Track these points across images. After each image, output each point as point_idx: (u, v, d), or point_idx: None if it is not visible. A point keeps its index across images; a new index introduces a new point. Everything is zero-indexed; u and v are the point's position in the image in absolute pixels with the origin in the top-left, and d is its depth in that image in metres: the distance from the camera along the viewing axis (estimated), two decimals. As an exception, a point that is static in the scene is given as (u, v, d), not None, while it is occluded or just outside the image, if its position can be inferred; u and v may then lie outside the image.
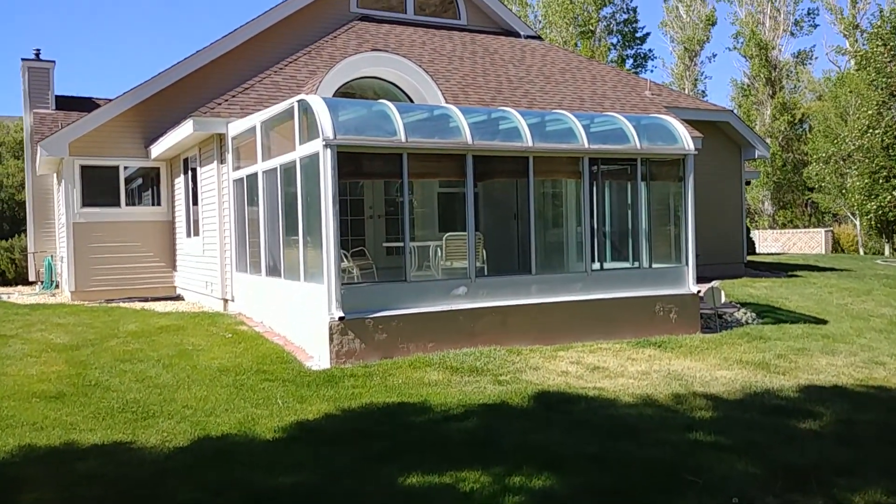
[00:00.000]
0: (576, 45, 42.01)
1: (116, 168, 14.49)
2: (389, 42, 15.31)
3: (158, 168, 14.87)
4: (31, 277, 18.31)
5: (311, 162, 8.28)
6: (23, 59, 18.47)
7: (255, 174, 10.15)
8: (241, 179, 10.87)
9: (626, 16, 44.76)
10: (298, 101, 8.55)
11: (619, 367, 7.68)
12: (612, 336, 9.47)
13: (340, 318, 7.89)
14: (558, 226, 11.93)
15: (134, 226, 14.56)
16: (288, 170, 9.09)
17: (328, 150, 7.95)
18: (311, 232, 8.51)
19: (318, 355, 8.16)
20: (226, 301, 11.83)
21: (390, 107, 8.67)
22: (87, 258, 14.04)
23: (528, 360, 7.94)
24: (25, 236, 18.71)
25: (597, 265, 9.90)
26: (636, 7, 45.19)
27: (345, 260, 10.50)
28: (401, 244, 11.11)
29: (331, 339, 7.89)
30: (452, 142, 8.78)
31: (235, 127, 11.01)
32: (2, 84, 67.20)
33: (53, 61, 18.80)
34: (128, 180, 14.64)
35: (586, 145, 9.62)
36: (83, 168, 14.17)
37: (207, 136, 11.89)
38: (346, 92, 12.37)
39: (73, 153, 13.98)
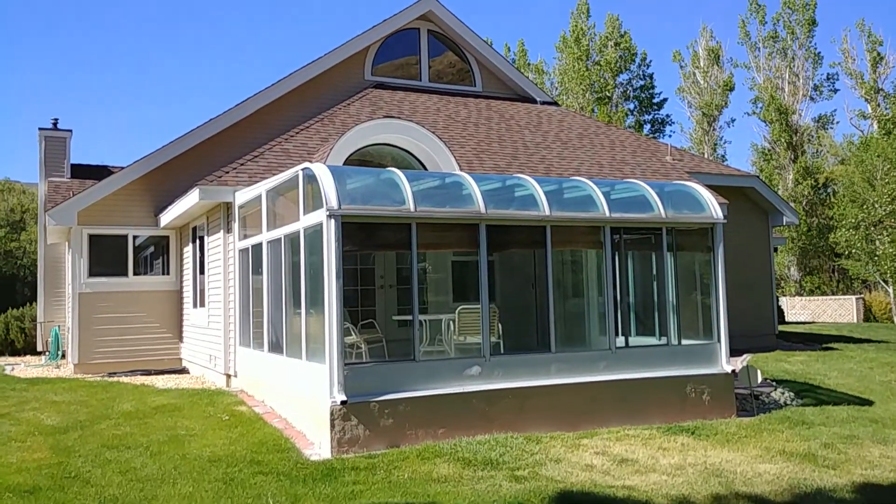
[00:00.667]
0: (592, 110, 42.14)
1: (125, 237, 14.20)
2: (403, 109, 15.11)
3: (168, 237, 14.55)
4: (40, 347, 17.93)
5: (316, 232, 7.82)
6: (40, 129, 18.57)
7: (260, 244, 9.71)
8: (247, 249, 10.44)
9: (642, 82, 45.02)
10: (303, 170, 8.16)
11: (650, 460, 6.93)
12: (639, 420, 8.72)
13: (342, 403, 7.26)
14: (579, 296, 11.31)
15: (141, 295, 14.16)
16: (292, 240, 8.64)
17: (332, 221, 7.49)
18: (313, 307, 7.98)
19: (318, 442, 7.50)
20: (228, 377, 11.25)
21: (398, 174, 8.25)
22: (91, 329, 13.60)
23: (548, 451, 7.22)
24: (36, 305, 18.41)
25: (621, 341, 9.23)
26: (652, 73, 45.31)
27: (352, 334, 9.95)
28: (426, 317, 10.59)
29: (332, 426, 7.24)
30: (464, 211, 8.30)
31: (242, 195, 10.65)
32: (23, 151, 68.80)
33: (70, 130, 18.89)
34: (137, 249, 14.32)
35: (607, 214, 9.09)
36: (91, 237, 13.89)
37: (214, 204, 11.56)
38: (359, 160, 12.05)
39: (82, 222, 13.73)
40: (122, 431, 7.95)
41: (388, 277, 12.99)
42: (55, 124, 18.91)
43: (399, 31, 16.43)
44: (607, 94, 43.21)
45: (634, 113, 45.14)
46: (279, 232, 9.02)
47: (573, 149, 15.80)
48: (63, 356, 16.19)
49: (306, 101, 14.79)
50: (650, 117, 45.63)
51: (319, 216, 7.66)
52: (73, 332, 13.60)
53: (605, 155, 15.90)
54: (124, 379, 12.39)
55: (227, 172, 11.49)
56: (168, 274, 14.49)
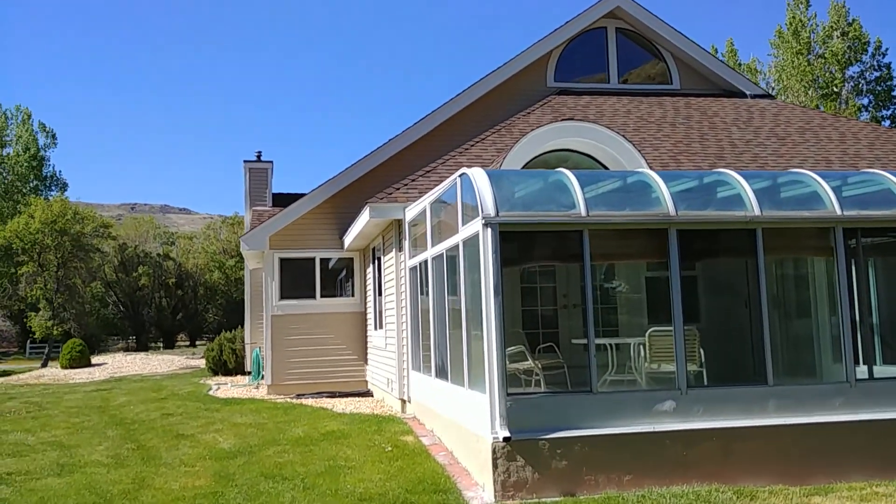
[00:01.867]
0: (817, 107, 37.49)
1: (313, 260, 14.39)
2: (589, 113, 13.90)
3: (352, 258, 14.55)
4: (247, 368, 18.92)
5: (473, 245, 6.93)
6: (245, 161, 19.81)
7: (426, 261, 9.05)
8: (416, 267, 9.85)
9: (877, 73, 39.30)
10: (460, 176, 7.34)
11: (914, 535, 5.10)
12: (891, 473, 6.73)
13: (506, 439, 6.24)
14: (805, 316, 9.33)
15: (328, 318, 14.22)
16: (452, 255, 7.84)
17: (489, 230, 6.55)
18: (475, 328, 7.07)
19: (482, 483, 6.53)
20: (403, 402, 10.70)
21: (568, 175, 7.13)
22: (283, 351, 13.87)
23: (765, 512, 5.63)
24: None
25: (863, 371, 7.27)
26: (889, 63, 39.44)
27: (527, 359, 8.92)
28: (601, 340, 9.31)
29: (494, 466, 6.24)
30: (648, 214, 6.97)
31: (411, 211, 10.11)
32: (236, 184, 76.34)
33: (271, 162, 19.95)
34: (323, 272, 14.45)
35: (838, 212, 7.25)
36: (282, 261, 14.23)
37: (387, 223, 11.18)
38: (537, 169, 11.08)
39: (273, 246, 14.11)
40: (285, 459, 7.57)
41: (573, 296, 11.76)
42: (259, 156, 20.10)
43: (583, 31, 15.27)
44: (834, 88, 38.26)
45: (869, 109, 39.48)
46: (441, 247, 8.28)
47: (793, 145, 13.54)
48: (263, 377, 16.84)
49: (484, 114, 14.12)
50: (889, 112, 39.67)
51: (476, 226, 6.77)
52: (267, 354, 13.96)
53: (835, 150, 13.44)
54: (308, 401, 12.37)
55: (398, 189, 11.06)
56: (353, 296, 14.45)
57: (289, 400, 12.52)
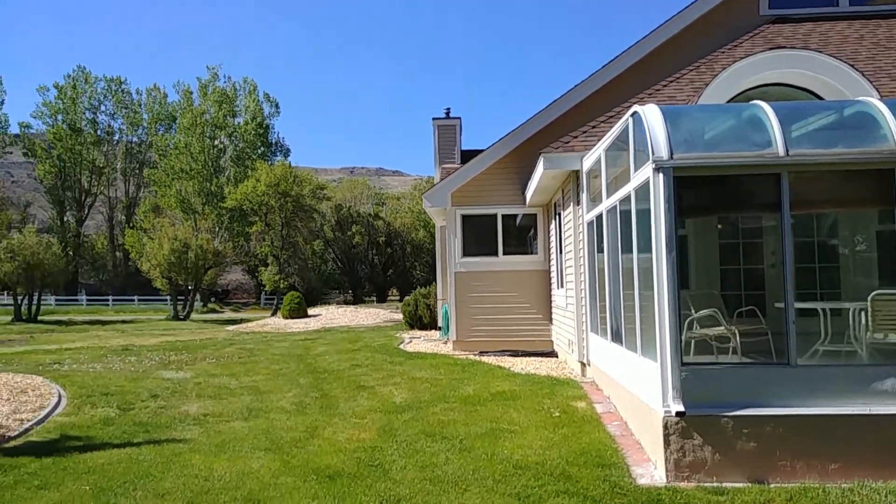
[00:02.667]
0: None
1: (494, 216, 14.09)
2: (810, 42, 11.98)
3: (535, 214, 14.04)
4: (439, 323, 19.32)
5: (644, 193, 6.14)
6: (433, 119, 19.93)
7: (601, 215, 8.32)
8: (592, 222, 9.14)
9: None
10: (633, 115, 6.51)
11: None
12: None
13: (679, 414, 5.50)
14: None
15: (511, 275, 13.92)
16: (625, 207, 7.05)
17: (660, 176, 5.73)
18: (646, 287, 6.31)
19: (655, 460, 5.86)
20: (583, 365, 10.12)
21: (764, 108, 6.03)
22: (466, 308, 13.85)
23: None
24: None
25: None
26: None
27: (720, 323, 7.92)
28: (808, 304, 8.04)
29: (666, 443, 5.54)
30: (867, 151, 5.70)
31: (588, 161, 9.36)
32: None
33: (459, 118, 19.88)
34: (505, 229, 14.11)
35: None
36: (464, 217, 14.11)
37: (564, 174, 10.51)
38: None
39: (455, 203, 14.02)
40: (449, 418, 7.41)
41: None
42: (447, 113, 20.13)
43: (802, -54, 13.17)
44: None
45: None
46: (614, 198, 7.51)
47: None
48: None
49: (681, 51, 12.74)
50: None
51: (646, 171, 5.97)
52: (451, 311, 14.01)
53: None
54: (489, 359, 12.21)
55: (576, 137, 10.32)
56: (537, 253, 13.99)
57: (469, 357, 12.47)
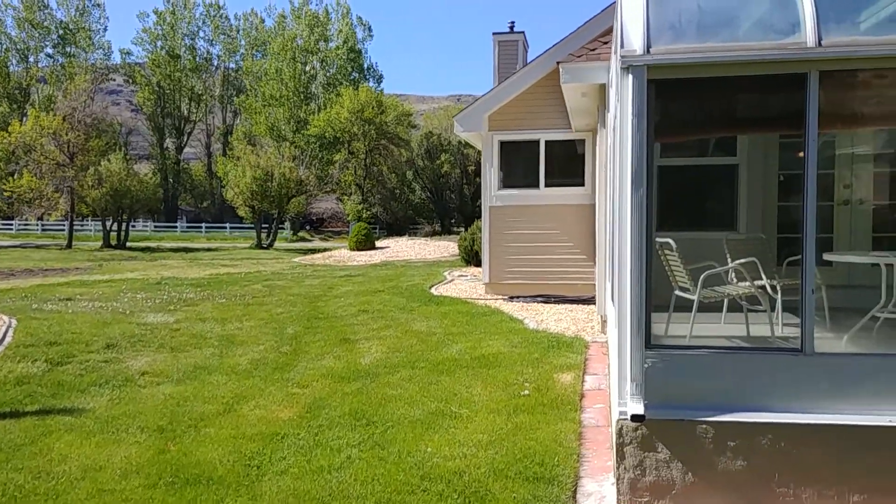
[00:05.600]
0: None
1: (536, 143, 12.35)
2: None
3: (584, 140, 12.17)
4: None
5: (621, 102, 4.43)
6: (494, 34, 17.94)
7: (608, 135, 6.57)
8: (609, 146, 7.38)
9: None
10: None
11: None
12: None
13: (636, 418, 3.95)
14: None
15: (553, 210, 12.24)
16: (615, 124, 5.34)
17: (629, 78, 4.03)
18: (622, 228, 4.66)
19: (610, 475, 4.36)
20: (603, 322, 8.52)
21: (791, -23, 4.11)
22: (501, 247, 12.37)
23: None
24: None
25: None
26: None
27: (761, 276, 6.13)
28: (858, 257, 6.06)
29: (619, 456, 4.04)
30: (947, 33, 3.73)
31: (611, 70, 7.52)
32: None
33: (522, 33, 17.80)
34: (549, 157, 12.36)
35: None
36: (502, 144, 12.47)
37: (593, 89, 8.67)
38: None
39: (492, 128, 12.38)
40: (397, 392, 6.11)
41: (862, 188, 8.08)
42: (511, 28, 18.10)
43: None
44: None
45: None
46: (609, 115, 5.78)
47: None
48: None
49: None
50: None
51: (616, 71, 4.27)
52: (484, 250, 12.57)
53: None
54: (514, 306, 10.78)
55: (605, 43, 8.42)
56: (583, 185, 12.19)
57: (496, 303, 11.07)
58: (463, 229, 52.71)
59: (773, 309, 6.04)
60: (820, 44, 3.83)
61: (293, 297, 12.43)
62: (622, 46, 4.07)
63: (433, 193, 54.12)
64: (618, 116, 4.19)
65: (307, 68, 54.76)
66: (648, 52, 4.00)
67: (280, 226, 39.34)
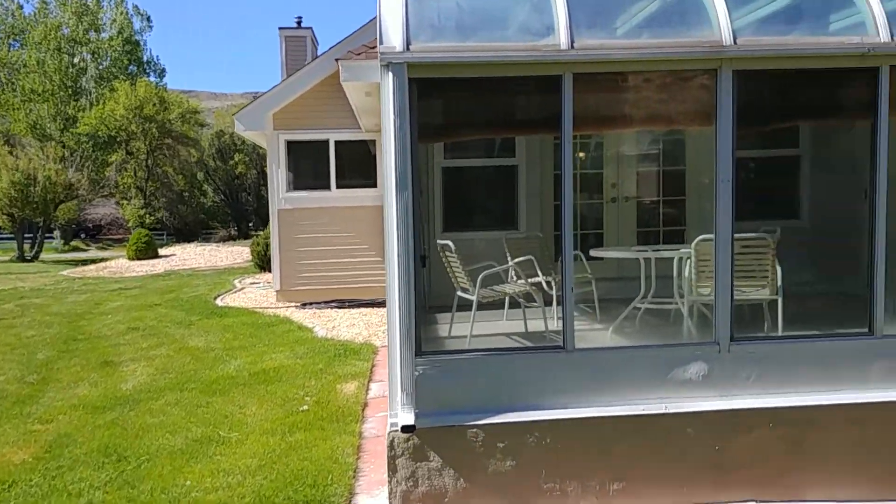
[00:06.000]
0: None
1: (326, 143, 12.03)
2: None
3: (374, 140, 12.05)
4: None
5: (382, 101, 4.28)
6: (280, 28, 17.33)
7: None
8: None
9: None
10: (375, -5, 4.57)
11: None
12: None
13: (406, 429, 3.81)
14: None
15: (346, 212, 11.98)
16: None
17: (389, 76, 3.89)
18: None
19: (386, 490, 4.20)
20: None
21: (544, -19, 4.21)
22: (292, 252, 11.87)
23: None
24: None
25: None
26: None
27: (536, 272, 6.31)
28: (633, 252, 6.50)
29: (391, 469, 3.88)
30: (681, 44, 4.01)
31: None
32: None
33: (310, 28, 17.38)
34: (340, 158, 12.08)
35: None
36: (289, 144, 11.98)
37: (376, 87, 8.53)
38: None
39: (278, 127, 11.84)
40: (159, 420, 5.50)
41: (629, 186, 8.75)
42: (299, 23, 17.58)
43: None
44: None
45: None
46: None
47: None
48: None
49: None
50: None
51: (377, 70, 4.11)
52: (275, 256, 12.02)
53: None
54: (306, 313, 10.41)
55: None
56: (376, 187, 12.07)
57: (286, 312, 10.59)
58: (262, 233, 50.98)
59: (550, 304, 6.26)
60: (572, 46, 3.94)
61: (51, 316, 11.00)
62: (381, 43, 3.92)
63: (227, 196, 51.56)
64: (382, 115, 4.03)
65: (76, 60, 49.53)
66: (408, 49, 3.88)
67: (48, 235, 35.22)
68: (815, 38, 4.04)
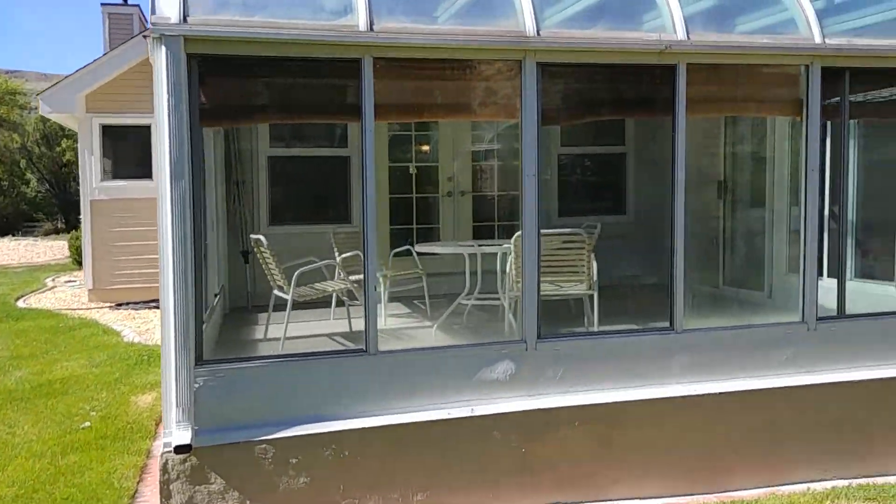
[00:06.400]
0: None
1: (148, 128, 11.03)
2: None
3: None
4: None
5: (155, 78, 3.80)
6: (102, 5, 15.87)
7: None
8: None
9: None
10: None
11: None
12: (872, 465, 4.13)
13: (181, 449, 3.37)
14: (757, 213, 6.46)
15: (168, 204, 11.06)
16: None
17: (162, 51, 3.43)
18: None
19: None
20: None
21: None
22: (107, 247, 10.77)
23: None
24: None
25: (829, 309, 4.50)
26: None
27: (351, 271, 5.98)
28: (458, 247, 6.34)
29: (165, 495, 3.42)
30: (486, 32, 3.84)
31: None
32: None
33: (137, 5, 16.05)
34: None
35: (818, 39, 4.23)
36: (104, 128, 10.89)
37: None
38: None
39: (91, 109, 10.72)
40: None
41: (464, 180, 8.62)
42: (125, 0, 16.18)
43: None
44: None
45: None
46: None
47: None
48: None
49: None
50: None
51: (150, 47, 3.63)
52: (86, 252, 10.90)
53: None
54: (118, 315, 9.50)
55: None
56: (202, 176, 11.25)
57: (88, 316, 9.52)
58: (93, 226, 47.17)
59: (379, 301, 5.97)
60: (372, 28, 3.65)
61: None
62: (154, 13, 3.44)
63: (54, 185, 47.24)
64: (154, 95, 3.55)
65: None
66: (185, 21, 3.43)
67: None
68: (615, 33, 4.01)
